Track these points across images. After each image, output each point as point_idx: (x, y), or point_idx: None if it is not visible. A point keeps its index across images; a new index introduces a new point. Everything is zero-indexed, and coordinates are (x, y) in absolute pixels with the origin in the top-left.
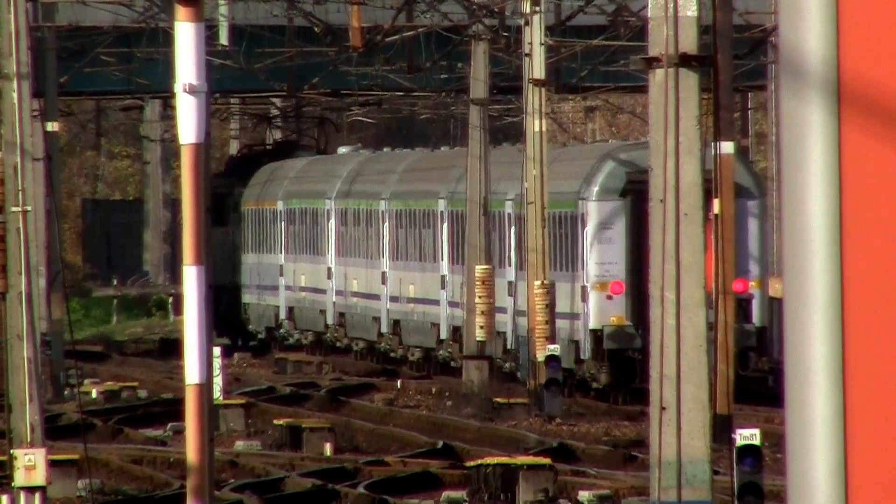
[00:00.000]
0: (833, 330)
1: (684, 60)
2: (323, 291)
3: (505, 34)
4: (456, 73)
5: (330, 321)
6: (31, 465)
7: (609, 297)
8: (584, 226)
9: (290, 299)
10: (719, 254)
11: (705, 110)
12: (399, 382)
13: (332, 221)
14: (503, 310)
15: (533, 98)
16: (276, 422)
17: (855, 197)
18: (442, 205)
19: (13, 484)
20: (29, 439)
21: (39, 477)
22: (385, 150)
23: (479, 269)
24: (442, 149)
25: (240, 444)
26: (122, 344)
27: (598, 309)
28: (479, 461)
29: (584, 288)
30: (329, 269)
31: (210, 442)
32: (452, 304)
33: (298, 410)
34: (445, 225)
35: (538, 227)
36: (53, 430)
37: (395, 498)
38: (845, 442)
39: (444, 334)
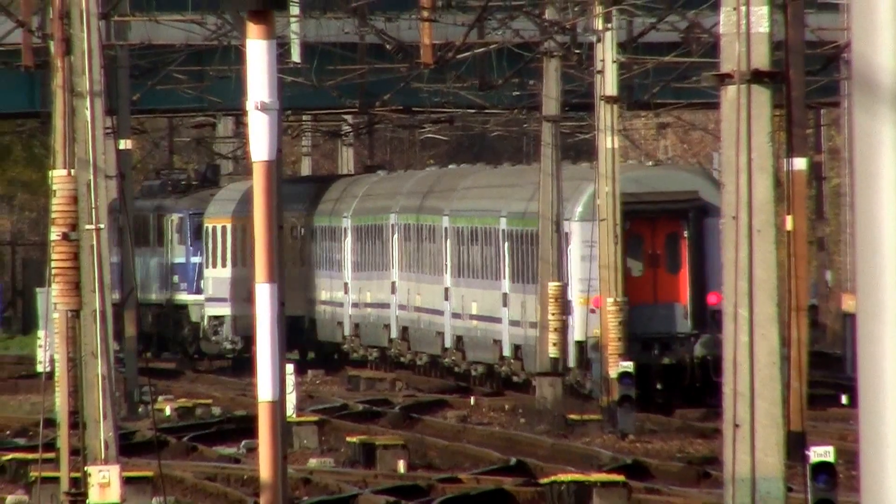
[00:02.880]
0: None
1: (756, 76)
2: (340, 304)
3: (577, 51)
4: (528, 90)
5: (347, 332)
6: (105, 482)
7: (592, 311)
8: (567, 244)
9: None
10: (792, 270)
11: (778, 126)
12: (472, 399)
13: (349, 239)
14: (498, 319)
15: (605, 115)
16: (349, 439)
17: None
18: (446, 221)
19: (88, 501)
20: (103, 456)
21: (114, 494)
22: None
23: (552, 286)
24: (450, 166)
25: (313, 462)
26: (195, 361)
27: (582, 321)
28: (553, 478)
29: (569, 302)
30: (345, 283)
31: (283, 459)
32: (455, 315)
33: (371, 427)
34: (449, 241)
35: (610, 245)
36: (127, 447)
37: None
38: None
39: (447, 342)
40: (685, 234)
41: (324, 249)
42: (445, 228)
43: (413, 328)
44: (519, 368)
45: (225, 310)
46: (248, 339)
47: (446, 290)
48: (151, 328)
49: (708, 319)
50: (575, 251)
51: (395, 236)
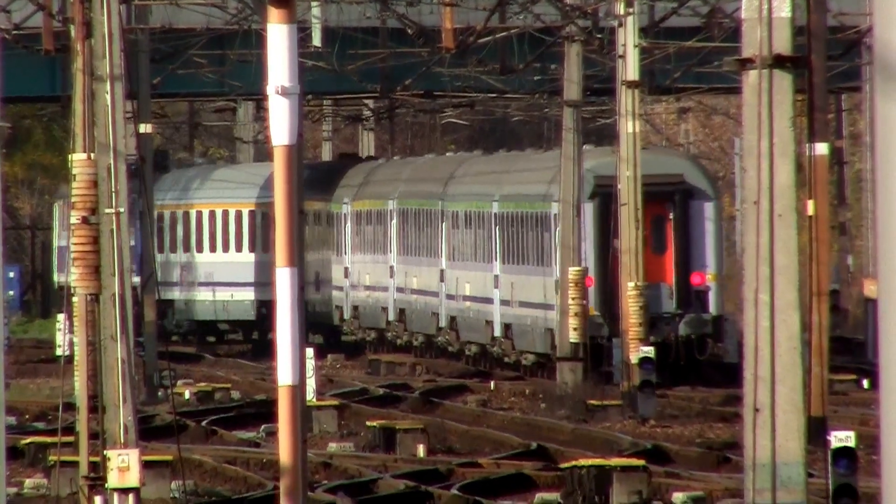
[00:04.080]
0: None
1: (778, 62)
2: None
3: (598, 36)
4: (549, 75)
5: (347, 315)
6: (124, 466)
7: None
8: (556, 225)
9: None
10: (814, 255)
11: (799, 111)
12: (493, 384)
13: (349, 224)
14: (490, 300)
15: (626, 99)
16: (369, 423)
17: None
18: (442, 205)
19: (107, 485)
20: (122, 440)
21: (133, 478)
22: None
23: (573, 271)
24: (447, 154)
25: (333, 446)
26: (214, 345)
27: None
28: (573, 463)
29: (557, 282)
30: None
31: (303, 443)
32: (449, 296)
33: (391, 412)
34: (445, 224)
35: (632, 229)
36: (147, 432)
37: (489, 500)
38: None
39: (442, 322)
40: (671, 216)
41: (324, 234)
42: (442, 212)
43: (409, 310)
44: (509, 348)
45: (171, 294)
46: (198, 323)
47: (441, 271)
48: None
49: (692, 299)
50: None
51: (394, 221)
